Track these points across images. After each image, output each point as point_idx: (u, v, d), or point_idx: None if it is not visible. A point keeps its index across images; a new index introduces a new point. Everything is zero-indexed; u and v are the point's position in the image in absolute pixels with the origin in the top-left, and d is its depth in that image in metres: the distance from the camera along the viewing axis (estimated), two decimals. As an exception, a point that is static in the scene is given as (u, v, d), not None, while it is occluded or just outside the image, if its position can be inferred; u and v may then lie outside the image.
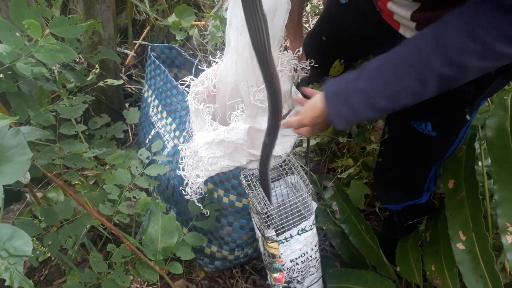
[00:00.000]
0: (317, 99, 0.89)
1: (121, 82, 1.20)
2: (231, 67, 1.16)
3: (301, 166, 1.51)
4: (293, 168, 1.21)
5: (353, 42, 1.24)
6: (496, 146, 0.91)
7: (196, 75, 1.38)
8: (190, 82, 1.22)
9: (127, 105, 1.92)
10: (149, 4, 2.18)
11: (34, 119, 0.85)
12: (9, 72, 0.90)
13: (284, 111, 1.24)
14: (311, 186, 1.12)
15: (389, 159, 1.24)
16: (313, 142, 1.63)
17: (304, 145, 1.65)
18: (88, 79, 1.02)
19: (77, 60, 1.40)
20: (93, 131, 1.64)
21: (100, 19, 1.52)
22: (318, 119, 0.91)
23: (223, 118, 1.23)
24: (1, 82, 0.82)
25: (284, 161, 1.22)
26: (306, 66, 1.25)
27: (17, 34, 0.85)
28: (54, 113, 0.98)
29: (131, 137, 1.81)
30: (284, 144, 1.17)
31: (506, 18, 0.63)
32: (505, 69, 0.84)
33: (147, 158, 1.10)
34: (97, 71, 1.06)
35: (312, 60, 1.25)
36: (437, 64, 0.70)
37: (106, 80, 1.13)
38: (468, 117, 0.91)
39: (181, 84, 1.34)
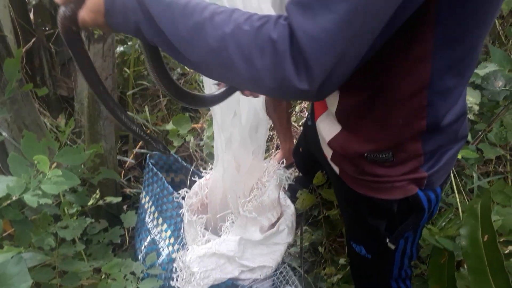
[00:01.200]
0: None
1: (120, 199, 1.28)
2: (219, 180, 1.25)
3: (295, 268, 1.54)
4: (288, 279, 1.24)
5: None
6: (470, 256, 0.96)
7: (192, 181, 1.46)
8: (185, 194, 1.31)
9: (125, 207, 1.99)
10: (149, 110, 2.36)
11: (36, 244, 0.91)
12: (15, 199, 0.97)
13: (273, 219, 1.31)
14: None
15: (352, 274, 1.28)
16: (307, 242, 1.67)
17: (298, 244, 1.69)
18: (89, 203, 1.11)
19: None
20: (90, 237, 1.68)
21: (102, 132, 1.65)
22: None
23: (215, 228, 1.29)
24: (8, 211, 0.89)
25: (280, 271, 1.25)
26: (290, 175, 1.34)
27: (27, 166, 0.94)
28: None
29: (127, 241, 1.85)
30: (275, 254, 1.21)
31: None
32: (415, 208, 0.90)
33: (141, 272, 1.14)
34: (97, 196, 1.15)
35: (295, 170, 1.35)
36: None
37: (105, 198, 1.21)
38: (392, 246, 0.95)
39: (177, 196, 1.42)
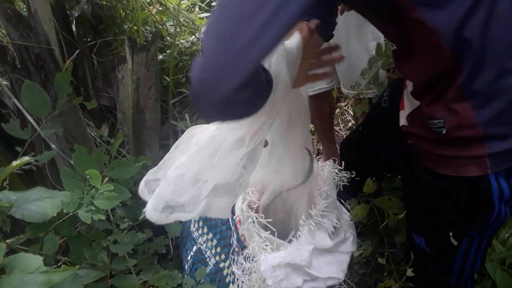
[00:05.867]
0: None
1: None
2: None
3: (345, 281, 1.47)
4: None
5: (388, 148, 1.25)
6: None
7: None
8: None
9: (168, 215, 1.98)
10: (189, 117, 2.35)
11: (89, 260, 0.90)
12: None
13: (335, 221, 1.21)
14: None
15: (416, 273, 1.20)
16: (356, 253, 1.60)
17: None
18: (140, 218, 1.09)
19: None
20: (136, 247, 1.67)
21: (147, 142, 1.65)
22: None
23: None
24: (62, 228, 0.88)
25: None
26: (344, 176, 1.27)
27: (79, 181, 0.93)
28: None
29: (172, 250, 1.83)
30: (342, 264, 1.13)
31: None
32: (482, 209, 0.84)
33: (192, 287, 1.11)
34: (148, 210, 1.13)
35: (348, 171, 1.28)
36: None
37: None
38: (454, 242, 0.89)
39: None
